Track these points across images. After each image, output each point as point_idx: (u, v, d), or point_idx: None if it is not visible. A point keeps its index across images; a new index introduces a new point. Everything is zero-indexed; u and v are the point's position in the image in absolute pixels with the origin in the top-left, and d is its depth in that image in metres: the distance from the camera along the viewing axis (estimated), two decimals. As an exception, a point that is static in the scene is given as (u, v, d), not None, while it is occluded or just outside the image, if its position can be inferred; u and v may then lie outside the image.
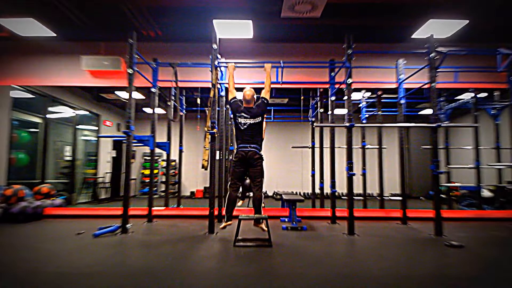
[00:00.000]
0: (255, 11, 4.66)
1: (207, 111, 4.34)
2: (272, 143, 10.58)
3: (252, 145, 3.51)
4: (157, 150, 5.46)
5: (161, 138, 5.42)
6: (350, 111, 4.06)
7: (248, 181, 3.60)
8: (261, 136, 3.67)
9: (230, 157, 6.70)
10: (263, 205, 3.51)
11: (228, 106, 3.73)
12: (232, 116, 3.70)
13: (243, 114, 3.57)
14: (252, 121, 3.56)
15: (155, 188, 10.43)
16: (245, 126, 3.55)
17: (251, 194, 3.65)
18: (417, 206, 7.26)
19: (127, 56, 4.14)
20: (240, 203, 3.71)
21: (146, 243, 3.47)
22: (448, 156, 7.15)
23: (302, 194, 10.58)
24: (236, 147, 3.63)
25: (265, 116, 3.72)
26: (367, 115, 7.09)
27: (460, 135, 9.64)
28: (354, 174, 3.99)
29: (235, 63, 4.02)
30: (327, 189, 5.49)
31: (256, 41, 5.59)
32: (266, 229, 3.41)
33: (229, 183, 3.63)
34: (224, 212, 3.59)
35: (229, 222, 3.52)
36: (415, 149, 10.42)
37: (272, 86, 3.79)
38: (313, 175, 6.64)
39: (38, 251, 3.07)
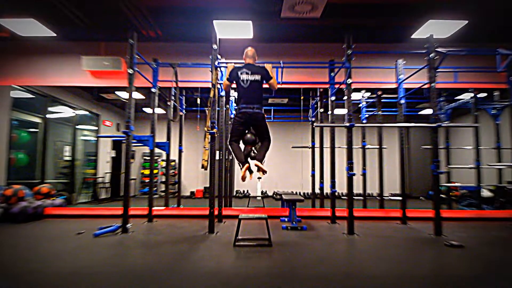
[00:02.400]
0: (255, 11, 4.65)
1: (207, 111, 4.34)
2: (272, 143, 10.50)
3: (255, 106, 3.49)
4: (157, 150, 5.46)
5: (161, 138, 5.42)
6: (350, 111, 4.07)
7: (249, 135, 3.59)
8: (262, 96, 3.64)
9: (230, 157, 6.70)
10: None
11: (231, 78, 3.67)
12: (234, 82, 3.60)
13: (244, 70, 3.55)
14: (253, 77, 3.53)
15: (155, 188, 10.43)
16: (247, 84, 3.51)
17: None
18: (417, 206, 7.25)
19: (128, 56, 4.15)
20: (249, 177, 3.66)
21: (146, 243, 3.47)
22: (448, 156, 7.15)
23: (302, 194, 10.58)
24: (238, 106, 3.57)
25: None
26: (367, 115, 7.09)
27: (460, 135, 9.64)
28: (354, 174, 4.00)
29: (235, 63, 4.02)
30: (327, 189, 5.50)
31: (256, 41, 5.59)
32: (265, 169, 3.42)
33: (229, 139, 3.59)
34: (238, 161, 3.56)
35: (246, 166, 3.47)
36: (415, 149, 10.42)
37: (276, 83, 3.80)
38: (313, 175, 6.64)
39: (38, 251, 3.07)
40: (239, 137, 3.60)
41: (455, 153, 8.23)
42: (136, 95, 7.49)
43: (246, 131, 3.61)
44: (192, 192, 10.85)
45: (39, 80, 5.77)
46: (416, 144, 10.24)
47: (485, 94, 7.23)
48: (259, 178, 4.28)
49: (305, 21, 4.92)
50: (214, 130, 4.02)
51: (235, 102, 3.74)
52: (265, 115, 3.65)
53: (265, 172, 3.44)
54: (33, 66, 5.72)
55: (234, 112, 3.77)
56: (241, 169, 3.53)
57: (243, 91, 3.55)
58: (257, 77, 3.55)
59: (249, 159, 3.93)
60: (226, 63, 4.36)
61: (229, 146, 3.60)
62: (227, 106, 6.31)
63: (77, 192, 8.16)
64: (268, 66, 3.91)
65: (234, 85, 3.71)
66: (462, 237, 3.66)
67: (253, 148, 3.86)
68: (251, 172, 3.75)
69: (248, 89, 3.52)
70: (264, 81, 3.62)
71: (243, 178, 3.49)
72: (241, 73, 3.56)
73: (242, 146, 3.68)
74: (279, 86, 4.77)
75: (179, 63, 4.95)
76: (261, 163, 3.50)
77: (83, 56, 5.40)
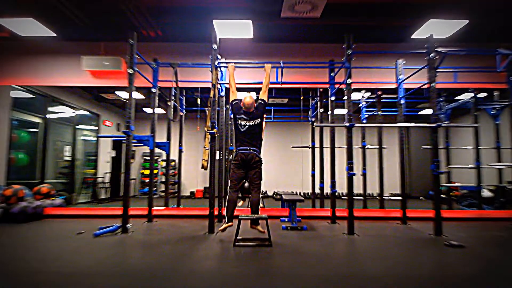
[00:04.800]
0: (255, 11, 4.65)
1: (207, 111, 4.35)
2: (272, 143, 10.58)
3: (252, 148, 3.53)
4: (157, 150, 5.46)
5: (161, 138, 5.42)
6: (350, 111, 4.07)
7: (247, 184, 3.59)
8: (261, 138, 3.67)
9: (230, 157, 6.70)
10: (261, 205, 3.49)
11: (229, 106, 3.73)
12: (232, 117, 3.69)
13: (242, 116, 3.59)
14: (251, 123, 3.57)
15: (155, 188, 10.42)
16: (245, 128, 3.57)
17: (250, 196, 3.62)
18: (417, 206, 7.25)
19: (128, 56, 4.15)
20: (240, 203, 3.69)
21: (146, 243, 3.47)
22: (448, 156, 7.15)
23: (302, 194, 10.57)
24: (235, 149, 3.63)
25: (264, 116, 3.72)
26: (367, 115, 7.09)
27: (460, 135, 9.63)
28: (354, 174, 3.99)
29: (235, 63, 4.03)
30: (327, 189, 5.50)
31: (256, 41, 5.59)
32: (263, 230, 3.39)
33: (229, 185, 3.61)
34: (224, 213, 3.55)
35: (230, 224, 3.47)
36: (415, 149, 10.42)
37: (272, 86, 3.81)
38: (313, 175, 6.64)
39: (38, 251, 3.07)
40: (238, 183, 3.56)
41: (455, 153, 8.22)
42: (136, 95, 7.49)
43: (245, 177, 3.57)
44: (192, 192, 10.85)
45: (39, 80, 5.77)
46: (416, 144, 10.23)
47: (485, 94, 7.23)
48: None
49: (305, 21, 4.92)
50: (214, 130, 4.02)
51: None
52: (262, 160, 3.61)
53: (264, 232, 3.38)
54: (33, 66, 5.72)
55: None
56: (224, 222, 3.50)
57: (240, 135, 3.59)
58: (256, 121, 3.59)
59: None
60: (226, 63, 4.36)
61: (228, 195, 3.56)
62: (227, 106, 6.32)
63: (77, 192, 8.16)
64: (267, 66, 3.92)
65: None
66: (462, 237, 3.65)
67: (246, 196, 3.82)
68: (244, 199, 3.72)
69: (245, 133, 3.57)
70: (264, 115, 3.65)
71: (223, 231, 3.45)
72: (239, 119, 3.59)
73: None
74: (279, 86, 4.80)
75: (179, 63, 4.95)
76: (257, 224, 3.46)
77: (83, 56, 5.40)
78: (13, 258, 2.85)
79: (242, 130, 3.57)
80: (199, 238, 3.64)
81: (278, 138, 10.86)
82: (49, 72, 5.72)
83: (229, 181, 3.63)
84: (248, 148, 3.52)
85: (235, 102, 3.71)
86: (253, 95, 4.08)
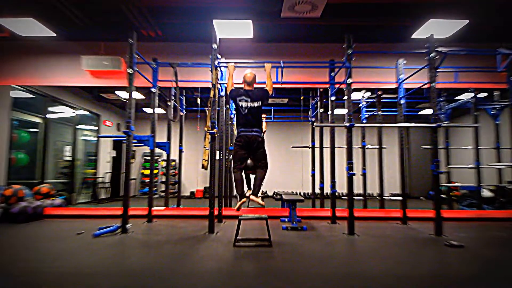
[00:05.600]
0: (255, 11, 4.65)
1: (207, 111, 4.34)
2: (272, 143, 10.57)
3: (254, 129, 3.53)
4: (157, 150, 5.46)
5: (161, 138, 5.42)
6: (350, 111, 4.07)
7: (249, 161, 3.62)
8: (261, 120, 3.70)
9: (230, 157, 6.70)
10: (263, 203, 3.53)
11: (229, 97, 3.73)
12: (233, 102, 3.68)
13: (243, 97, 3.59)
14: (252, 104, 3.56)
15: (155, 188, 10.42)
16: (246, 110, 3.56)
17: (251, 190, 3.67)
18: (417, 206, 7.25)
19: (127, 56, 4.15)
20: (248, 193, 3.74)
21: (146, 243, 3.47)
22: (448, 156, 7.14)
23: (302, 194, 10.57)
24: (237, 131, 3.63)
25: (264, 117, 3.73)
26: (367, 115, 7.09)
27: (460, 135, 9.63)
28: (354, 174, 3.99)
29: (235, 63, 4.02)
30: (327, 189, 5.49)
31: (256, 41, 5.59)
32: (262, 203, 3.49)
33: (233, 165, 3.65)
34: (236, 192, 3.65)
35: (243, 200, 3.53)
36: (415, 149, 10.41)
37: (272, 86, 3.81)
38: (313, 175, 6.64)
39: (38, 251, 3.07)
40: (242, 162, 3.59)
41: (455, 153, 8.22)
42: (136, 95, 7.49)
43: (248, 157, 3.60)
44: (192, 192, 10.85)
45: (39, 80, 5.77)
46: (416, 144, 10.23)
47: (485, 94, 7.23)
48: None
49: (305, 21, 4.92)
50: (214, 130, 4.02)
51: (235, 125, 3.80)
52: (264, 140, 3.65)
53: (262, 205, 3.47)
54: (33, 66, 5.72)
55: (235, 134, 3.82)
56: (238, 200, 3.57)
57: (242, 116, 3.59)
58: (257, 103, 3.58)
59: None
60: (226, 63, 4.36)
61: (233, 174, 3.62)
62: (227, 106, 6.31)
63: (77, 192, 8.16)
64: (267, 66, 3.92)
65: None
66: (462, 237, 3.66)
67: (251, 173, 3.86)
68: (250, 188, 3.80)
69: (247, 115, 3.56)
70: (265, 102, 3.65)
71: (238, 209, 3.53)
72: (240, 100, 3.59)
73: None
74: (279, 86, 4.79)
75: (179, 63, 4.95)
76: (256, 196, 3.54)
77: (83, 56, 5.40)
78: (13, 258, 2.85)
79: (243, 112, 3.57)
80: (199, 238, 3.64)
81: (278, 138, 10.86)
82: (49, 72, 5.72)
83: (232, 162, 3.66)
84: (250, 129, 3.53)
85: (232, 89, 3.72)
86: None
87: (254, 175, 3.68)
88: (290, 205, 4.38)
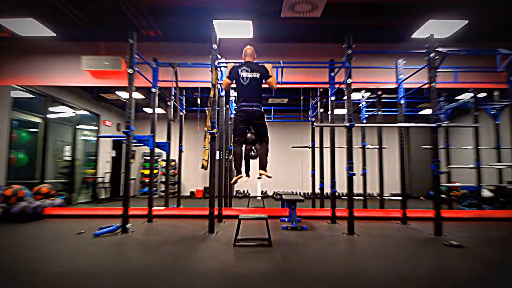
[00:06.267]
0: (255, 11, 4.65)
1: (207, 111, 4.34)
2: (272, 143, 10.51)
3: (254, 103, 3.54)
4: (157, 150, 5.46)
5: (161, 138, 5.42)
6: (350, 111, 4.07)
7: (249, 135, 3.64)
8: (262, 94, 3.70)
9: (230, 157, 6.70)
10: (271, 175, 3.60)
11: (231, 75, 3.71)
12: (233, 77, 3.65)
13: (244, 68, 3.60)
14: (252, 75, 3.57)
15: (155, 188, 10.42)
16: (247, 81, 3.56)
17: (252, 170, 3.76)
18: (417, 206, 7.26)
19: (127, 56, 4.15)
20: (245, 179, 3.79)
21: (146, 243, 3.47)
22: (448, 156, 7.15)
23: (302, 194, 10.57)
24: (238, 105, 3.62)
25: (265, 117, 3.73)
26: (367, 115, 7.09)
27: (460, 135, 9.63)
28: (354, 174, 3.99)
29: (235, 63, 4.02)
30: (327, 189, 5.49)
31: (256, 41, 5.58)
32: (270, 175, 3.56)
33: (233, 140, 3.68)
34: (234, 168, 3.69)
35: (239, 176, 3.58)
36: (415, 149, 10.41)
37: (276, 83, 3.83)
38: (313, 175, 6.64)
39: (38, 251, 3.07)
40: (242, 136, 3.63)
41: (455, 153, 8.22)
42: (136, 95, 7.49)
43: (247, 130, 3.64)
44: (192, 192, 10.85)
45: (39, 80, 5.77)
46: (416, 144, 10.23)
47: (485, 94, 7.24)
48: (258, 178, 4.35)
49: (305, 21, 4.93)
50: (214, 130, 4.02)
51: (235, 102, 3.80)
52: (265, 114, 3.68)
53: (270, 177, 3.53)
54: (33, 66, 5.72)
55: (234, 111, 3.84)
56: (234, 176, 3.65)
57: (242, 89, 3.59)
58: (257, 75, 3.59)
59: (248, 159, 3.98)
60: (226, 63, 4.36)
61: (232, 148, 3.64)
62: (227, 106, 6.31)
63: (77, 192, 8.16)
64: (268, 66, 3.91)
65: (234, 85, 3.75)
66: (462, 237, 3.65)
67: (253, 147, 3.89)
68: (248, 175, 3.84)
69: (247, 86, 3.57)
70: (264, 80, 3.65)
71: (234, 183, 3.61)
72: (241, 71, 3.60)
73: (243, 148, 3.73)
74: (279, 86, 4.77)
75: (179, 63, 4.95)
76: (265, 170, 3.59)
77: (83, 56, 5.39)
78: (13, 258, 2.85)
79: (244, 83, 3.56)
80: (199, 238, 3.64)
81: (278, 138, 10.85)
82: (49, 72, 5.72)
83: (232, 136, 3.68)
84: (251, 104, 3.53)
85: (232, 68, 3.69)
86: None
87: (253, 159, 3.78)
88: (290, 205, 4.38)
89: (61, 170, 7.79)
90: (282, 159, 10.89)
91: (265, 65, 3.92)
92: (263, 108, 3.65)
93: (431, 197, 4.37)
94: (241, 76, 3.58)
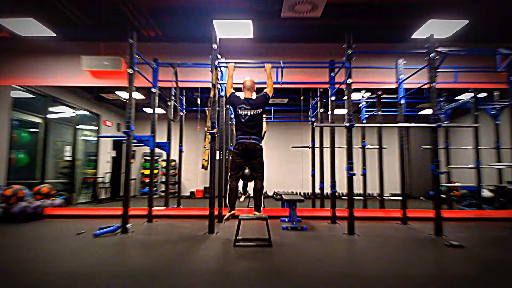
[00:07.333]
0: (255, 11, 4.65)
1: (207, 111, 4.35)
2: (272, 143, 10.58)
3: (252, 137, 3.53)
4: (157, 150, 5.46)
5: (161, 138, 5.41)
6: (350, 111, 4.07)
7: (247, 170, 3.60)
8: (261, 127, 3.69)
9: (230, 157, 6.70)
10: (265, 215, 3.52)
11: (228, 102, 3.72)
12: (232, 108, 3.69)
13: (243, 105, 3.58)
14: (252, 112, 3.56)
15: (155, 188, 10.43)
16: (246, 118, 3.56)
17: (251, 194, 3.65)
18: (417, 206, 7.26)
19: (127, 56, 4.15)
20: (242, 198, 3.74)
21: (146, 243, 3.47)
22: (448, 156, 7.15)
23: (302, 194, 10.57)
24: (236, 138, 3.63)
25: (265, 117, 3.73)
26: (367, 115, 7.09)
27: (460, 135, 9.64)
28: (354, 174, 3.99)
29: (235, 63, 4.03)
30: (327, 189, 5.50)
31: (256, 41, 5.59)
32: (264, 216, 3.46)
33: (229, 173, 3.63)
34: (227, 203, 3.62)
35: (233, 212, 3.51)
36: (415, 149, 10.42)
37: (273, 86, 3.81)
38: (313, 175, 6.64)
39: (38, 251, 3.07)
40: (239, 171, 3.57)
41: (455, 153, 8.22)
42: (136, 95, 7.49)
43: (245, 166, 3.58)
44: (192, 192, 10.85)
45: (39, 80, 5.77)
46: (416, 144, 10.24)
47: (485, 94, 7.23)
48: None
49: (305, 21, 4.93)
50: (214, 130, 4.02)
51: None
52: (263, 148, 3.64)
53: (265, 218, 3.44)
54: (33, 66, 5.72)
55: (231, 145, 3.82)
56: (227, 211, 3.51)
57: (241, 124, 3.57)
58: (257, 111, 3.57)
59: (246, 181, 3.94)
60: (226, 63, 4.36)
61: (228, 183, 3.60)
62: (227, 106, 6.31)
63: (77, 192, 8.16)
64: (268, 66, 3.92)
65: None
66: (462, 237, 3.65)
67: (248, 182, 3.84)
68: (245, 193, 3.76)
69: (246, 123, 3.55)
70: (264, 110, 3.65)
71: (226, 220, 3.50)
72: (240, 108, 3.57)
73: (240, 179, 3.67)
74: (279, 86, 4.79)
75: (179, 63, 4.95)
76: (259, 211, 3.53)
77: (83, 56, 5.40)
78: (13, 258, 2.85)
79: (243, 119, 3.56)
80: (199, 238, 3.64)
81: (278, 138, 10.86)
82: (49, 72, 5.72)
83: (229, 170, 3.64)
84: (248, 137, 3.52)
85: (232, 94, 3.71)
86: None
87: (250, 181, 3.67)
88: (290, 205, 4.38)
89: (61, 170, 7.80)
90: (282, 159, 10.90)
91: (265, 65, 3.91)
92: (261, 142, 3.62)
93: (431, 197, 4.37)
94: (240, 113, 3.56)
